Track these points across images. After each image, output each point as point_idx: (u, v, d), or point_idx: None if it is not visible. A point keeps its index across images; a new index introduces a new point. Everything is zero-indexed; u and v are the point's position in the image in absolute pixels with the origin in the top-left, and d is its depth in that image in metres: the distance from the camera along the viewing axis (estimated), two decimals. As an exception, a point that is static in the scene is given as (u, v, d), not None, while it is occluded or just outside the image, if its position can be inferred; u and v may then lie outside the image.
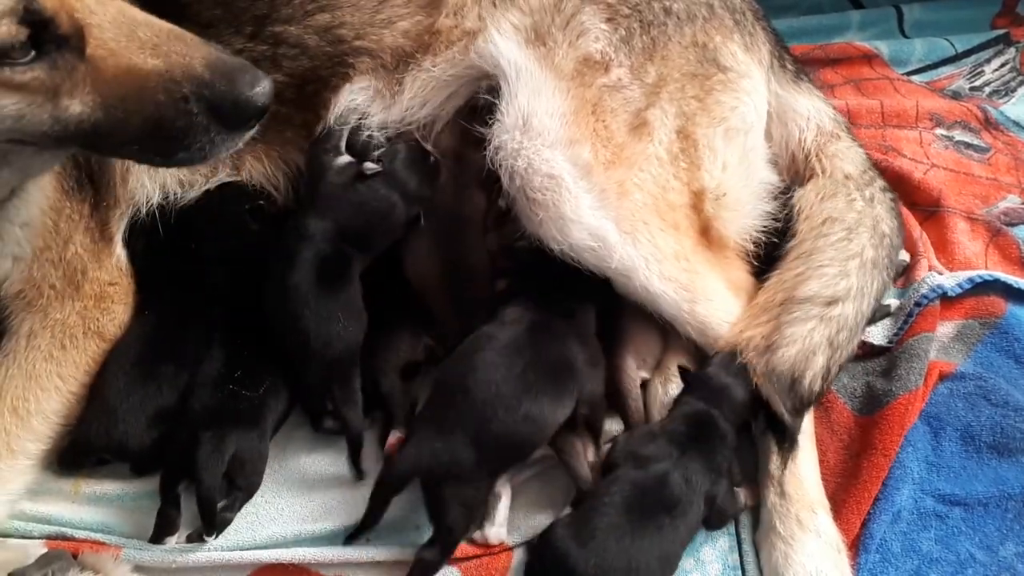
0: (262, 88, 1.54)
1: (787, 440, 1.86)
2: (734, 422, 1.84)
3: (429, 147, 2.18)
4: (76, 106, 1.47)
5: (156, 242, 2.06)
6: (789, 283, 2.01)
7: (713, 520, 1.79)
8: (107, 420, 1.83)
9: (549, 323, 1.90)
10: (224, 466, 1.75)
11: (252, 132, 1.62)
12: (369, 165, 2.07)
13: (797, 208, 2.17)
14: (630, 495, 1.69)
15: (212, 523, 1.75)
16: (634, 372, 1.98)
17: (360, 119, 2.15)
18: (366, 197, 2.05)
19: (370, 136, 2.15)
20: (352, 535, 1.77)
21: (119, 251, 2.02)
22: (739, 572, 1.79)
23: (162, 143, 1.53)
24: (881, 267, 2.08)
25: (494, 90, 2.09)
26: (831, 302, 1.97)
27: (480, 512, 1.76)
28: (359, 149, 2.13)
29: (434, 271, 2.08)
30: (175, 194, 2.09)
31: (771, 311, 1.97)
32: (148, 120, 1.49)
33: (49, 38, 1.41)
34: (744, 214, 2.12)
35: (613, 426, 1.95)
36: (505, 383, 1.74)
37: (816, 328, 1.93)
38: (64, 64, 1.44)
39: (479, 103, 2.13)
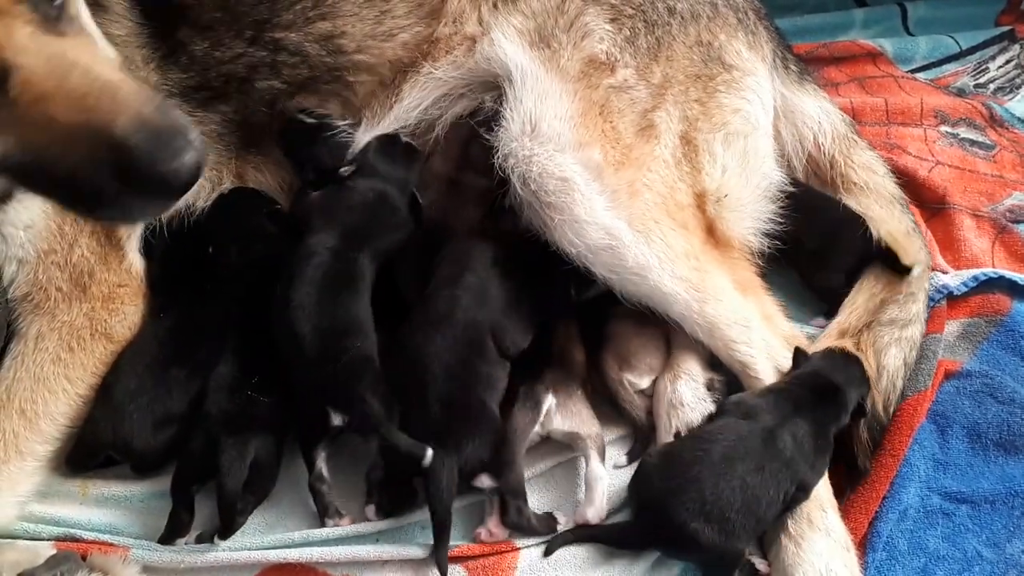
0: (187, 161, 1.40)
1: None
2: (854, 401, 1.86)
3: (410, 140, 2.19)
4: None
5: (173, 246, 2.06)
6: (874, 305, 2.11)
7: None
8: (114, 418, 1.84)
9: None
10: (246, 471, 1.75)
11: (181, 200, 1.53)
12: (343, 169, 2.08)
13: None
14: (732, 443, 1.73)
15: (231, 527, 1.75)
16: (616, 374, 1.99)
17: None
18: (354, 197, 2.05)
19: (345, 136, 2.15)
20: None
21: (132, 255, 2.01)
22: (745, 568, 1.79)
23: (79, 197, 1.44)
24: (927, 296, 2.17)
25: (497, 99, 2.09)
26: (905, 325, 2.07)
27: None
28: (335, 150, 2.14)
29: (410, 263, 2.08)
30: (184, 199, 2.08)
31: (854, 336, 2.07)
32: (66, 172, 1.40)
33: None
34: (746, 214, 2.13)
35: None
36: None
37: (895, 354, 2.03)
38: None
39: (481, 117, 2.13)
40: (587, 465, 1.84)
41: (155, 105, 1.45)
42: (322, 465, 1.82)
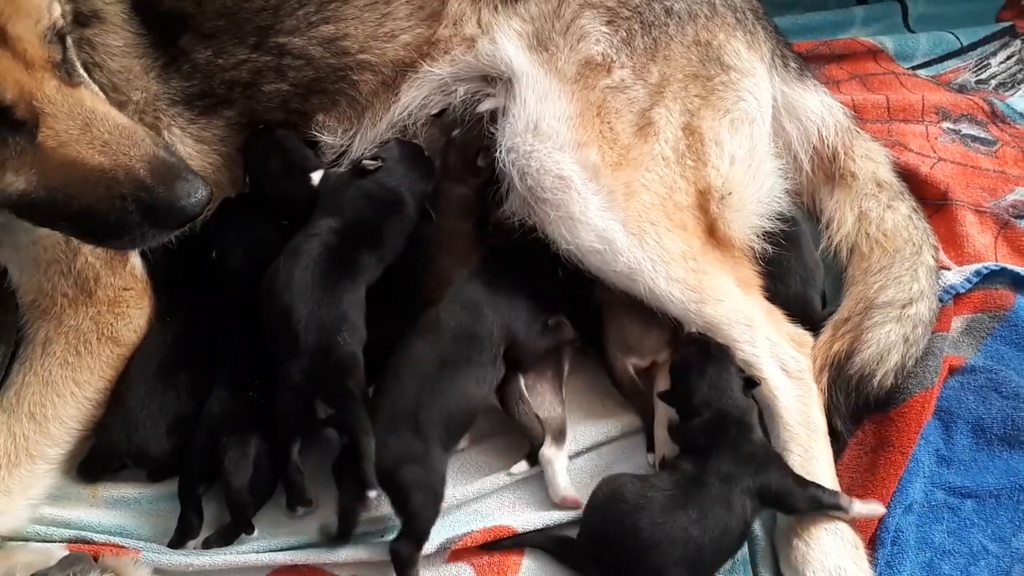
0: (197, 198, 1.63)
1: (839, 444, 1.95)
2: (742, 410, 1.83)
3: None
4: (20, 182, 1.56)
5: (178, 251, 2.03)
6: (871, 293, 2.12)
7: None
8: (128, 426, 1.86)
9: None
10: (251, 467, 1.76)
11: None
12: (368, 162, 2.08)
13: (854, 214, 2.30)
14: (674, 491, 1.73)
15: (243, 523, 1.77)
16: (612, 355, 2.03)
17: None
18: (372, 190, 2.05)
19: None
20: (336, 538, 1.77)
21: (135, 259, 2.02)
22: (748, 567, 1.80)
23: (95, 229, 1.62)
24: (937, 273, 2.19)
25: (475, 94, 2.13)
26: (906, 304, 2.08)
27: (443, 490, 1.79)
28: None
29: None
30: None
31: (853, 320, 2.07)
32: (85, 208, 1.58)
33: (3, 120, 1.49)
34: (749, 213, 2.13)
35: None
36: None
37: (893, 329, 2.03)
38: (14, 144, 1.52)
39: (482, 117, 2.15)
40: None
41: (163, 146, 1.67)
42: (296, 457, 1.82)
